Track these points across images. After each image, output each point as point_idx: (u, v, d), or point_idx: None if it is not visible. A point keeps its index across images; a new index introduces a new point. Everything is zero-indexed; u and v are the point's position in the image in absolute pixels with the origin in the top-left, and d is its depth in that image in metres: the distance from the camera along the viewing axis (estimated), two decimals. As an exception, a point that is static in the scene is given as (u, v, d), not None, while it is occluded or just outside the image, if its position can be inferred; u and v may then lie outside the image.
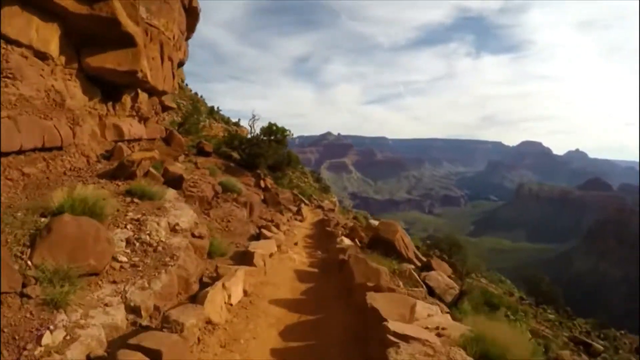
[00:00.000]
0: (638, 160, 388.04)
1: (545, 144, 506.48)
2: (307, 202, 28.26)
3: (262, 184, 21.22)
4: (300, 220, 20.04)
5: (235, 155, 24.28)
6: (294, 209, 21.89)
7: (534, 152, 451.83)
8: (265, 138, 25.27)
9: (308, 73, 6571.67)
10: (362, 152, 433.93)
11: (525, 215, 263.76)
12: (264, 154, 23.64)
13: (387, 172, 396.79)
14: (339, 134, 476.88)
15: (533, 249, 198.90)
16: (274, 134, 25.73)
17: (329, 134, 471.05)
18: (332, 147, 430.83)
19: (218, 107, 75.56)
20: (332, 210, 28.88)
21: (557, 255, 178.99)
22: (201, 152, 20.67)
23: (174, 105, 22.57)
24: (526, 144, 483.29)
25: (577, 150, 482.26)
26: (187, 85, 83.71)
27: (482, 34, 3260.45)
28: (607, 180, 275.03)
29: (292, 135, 27.02)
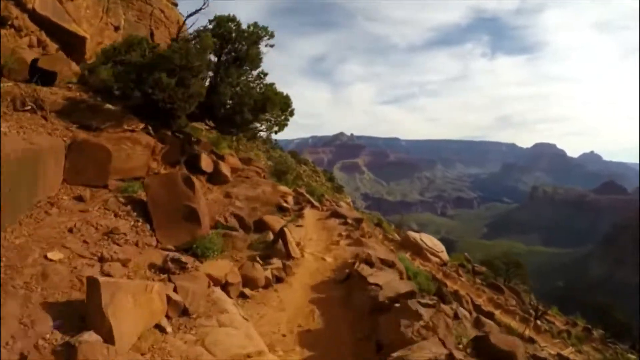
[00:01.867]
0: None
1: (560, 145, 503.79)
2: (316, 203, 18.65)
3: (206, 163, 11.44)
4: (283, 279, 7.97)
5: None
6: (287, 215, 11.34)
7: (548, 154, 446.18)
8: (199, 46, 11.05)
9: (324, 73, 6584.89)
10: (375, 153, 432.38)
11: (540, 219, 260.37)
12: (167, 69, 10.32)
13: (400, 173, 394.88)
14: (352, 135, 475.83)
15: (548, 253, 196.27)
16: (230, 40, 11.98)
17: (341, 134, 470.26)
18: (345, 147, 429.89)
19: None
20: (360, 221, 15.72)
21: (573, 260, 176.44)
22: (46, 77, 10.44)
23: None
24: (540, 146, 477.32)
25: (591, 153, 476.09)
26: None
27: (498, 34, 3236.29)
28: (623, 183, 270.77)
29: (272, 38, 12.50)
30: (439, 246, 17.88)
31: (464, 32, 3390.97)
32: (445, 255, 17.67)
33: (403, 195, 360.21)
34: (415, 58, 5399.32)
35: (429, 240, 17.51)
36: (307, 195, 19.48)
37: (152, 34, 70.09)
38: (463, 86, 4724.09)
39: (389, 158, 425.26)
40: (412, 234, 17.87)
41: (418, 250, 17.21)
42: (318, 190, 25.68)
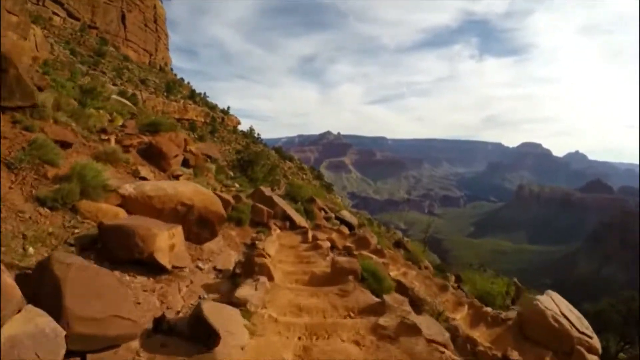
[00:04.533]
0: (638, 162, 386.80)
1: (545, 145, 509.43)
2: (300, 221, 11.73)
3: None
4: None
5: None
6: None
7: (533, 154, 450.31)
8: None
9: (313, 73, 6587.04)
10: (362, 152, 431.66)
11: (526, 217, 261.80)
12: None
13: (387, 172, 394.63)
14: (338, 133, 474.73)
15: (534, 251, 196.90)
16: None
17: (328, 133, 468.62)
18: (332, 146, 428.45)
19: (205, 93, 73.96)
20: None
21: (560, 257, 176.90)
22: None
23: None
24: (526, 145, 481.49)
25: (576, 152, 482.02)
26: (172, 69, 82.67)
27: (486, 36, 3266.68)
28: (607, 182, 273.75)
29: None
30: (586, 324, 7.27)
31: (453, 33, 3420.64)
32: (597, 343, 6.97)
33: (390, 194, 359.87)
34: (405, 59, 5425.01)
35: (571, 314, 7.16)
36: (281, 205, 11.48)
37: (123, 17, 66.59)
38: (451, 87, 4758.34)
39: (375, 157, 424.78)
40: (542, 302, 6.90)
41: (561, 344, 6.61)
42: (305, 191, 17.49)
